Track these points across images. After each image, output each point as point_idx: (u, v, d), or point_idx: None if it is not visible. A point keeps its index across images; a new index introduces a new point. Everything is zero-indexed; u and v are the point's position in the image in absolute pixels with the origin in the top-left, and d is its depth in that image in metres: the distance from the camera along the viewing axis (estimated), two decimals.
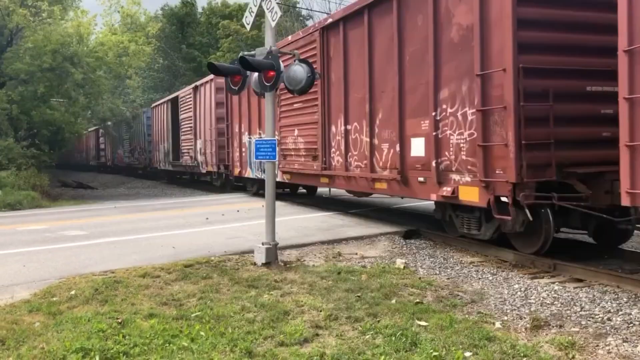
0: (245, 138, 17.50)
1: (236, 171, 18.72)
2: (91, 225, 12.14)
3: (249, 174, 17.60)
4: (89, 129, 41.84)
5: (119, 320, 5.43)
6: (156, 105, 30.62)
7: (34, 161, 22.58)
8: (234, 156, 18.83)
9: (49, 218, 13.89)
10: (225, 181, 21.50)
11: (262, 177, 19.03)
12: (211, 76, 19.88)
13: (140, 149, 34.51)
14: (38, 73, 22.59)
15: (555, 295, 6.48)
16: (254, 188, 18.29)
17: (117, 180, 35.23)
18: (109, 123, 36.65)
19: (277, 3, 7.92)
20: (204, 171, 23.04)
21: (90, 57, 25.00)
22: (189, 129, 24.26)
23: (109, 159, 43.66)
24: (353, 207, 14.09)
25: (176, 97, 26.10)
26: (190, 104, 23.62)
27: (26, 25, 23.63)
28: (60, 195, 23.84)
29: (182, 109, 25.44)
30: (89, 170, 48.07)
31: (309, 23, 35.89)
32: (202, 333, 5.08)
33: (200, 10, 46.78)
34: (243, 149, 17.84)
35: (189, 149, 24.46)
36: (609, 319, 5.60)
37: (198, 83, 23.03)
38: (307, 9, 36.15)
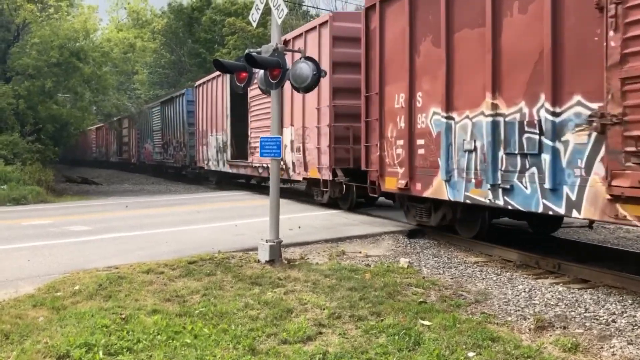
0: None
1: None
2: (95, 220, 12.16)
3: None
4: (110, 120, 38.16)
5: (123, 316, 5.43)
6: (204, 83, 23.16)
7: (39, 156, 22.64)
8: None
9: (53, 213, 13.92)
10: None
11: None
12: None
13: (178, 144, 27.52)
14: (45, 68, 22.65)
15: (559, 296, 6.46)
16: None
17: (142, 180, 31.76)
18: (134, 112, 33.77)
19: (284, 1, 7.90)
20: (299, 178, 15.23)
21: (96, 52, 25.06)
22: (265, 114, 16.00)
23: (133, 155, 37.54)
24: (358, 206, 14.07)
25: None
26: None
27: (33, 21, 23.70)
28: (65, 190, 23.89)
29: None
30: (107, 168, 44.16)
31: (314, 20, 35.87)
32: (205, 330, 5.08)
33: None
34: None
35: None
36: (613, 321, 5.58)
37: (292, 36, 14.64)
38: (313, 7, 36.13)
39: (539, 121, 7.00)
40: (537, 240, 9.61)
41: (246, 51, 7.98)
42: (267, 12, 8.38)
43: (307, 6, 36.71)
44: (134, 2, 32.68)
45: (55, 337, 4.89)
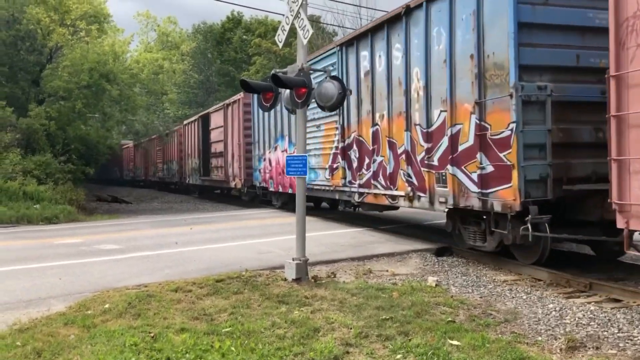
0: None
1: None
2: (125, 239, 12.33)
3: None
4: (151, 137, 37.00)
5: (152, 335, 5.49)
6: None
7: (70, 176, 23.10)
8: None
9: (84, 232, 14.16)
10: None
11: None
12: None
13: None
14: (75, 90, 23.20)
15: (591, 315, 6.32)
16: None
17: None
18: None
19: (309, 21, 8.00)
20: None
21: (125, 74, 25.61)
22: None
23: (177, 175, 34.32)
24: (383, 223, 14.03)
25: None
26: None
27: (65, 44, 24.35)
28: (96, 209, 24.29)
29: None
30: (147, 187, 42.53)
31: (336, 38, 36.17)
32: (232, 348, 5.10)
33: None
34: None
35: None
36: None
37: None
38: (338, 25, 36.35)
39: None
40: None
41: (272, 71, 8.08)
42: (292, 33, 8.48)
43: (332, 25, 37.02)
44: (164, 24, 33.31)
45: (85, 355, 4.97)
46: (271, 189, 18.65)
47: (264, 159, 19.26)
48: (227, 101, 23.94)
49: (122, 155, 47.99)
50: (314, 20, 33.51)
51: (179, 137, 33.69)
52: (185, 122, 32.35)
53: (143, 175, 44.86)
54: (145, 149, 41.73)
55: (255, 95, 17.03)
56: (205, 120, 27.28)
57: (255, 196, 21.55)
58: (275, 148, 18.03)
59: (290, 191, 16.14)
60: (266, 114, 18.18)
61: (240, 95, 21.78)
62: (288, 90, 8.20)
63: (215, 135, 25.69)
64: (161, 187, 39.85)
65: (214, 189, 30.37)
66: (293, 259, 7.89)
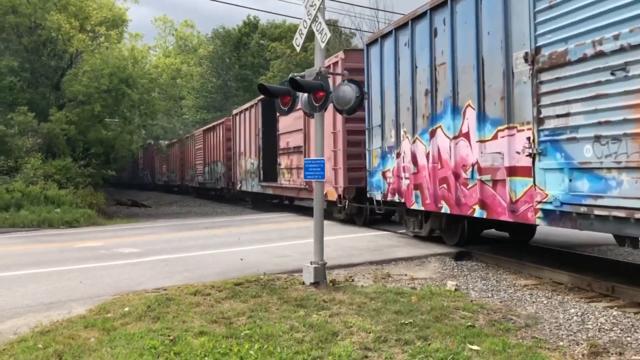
0: None
1: None
2: (144, 242, 12.42)
3: None
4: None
5: (171, 338, 5.51)
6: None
7: (90, 180, 23.37)
8: None
9: (104, 235, 14.30)
10: None
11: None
12: None
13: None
14: (95, 94, 23.48)
15: (614, 320, 6.22)
16: None
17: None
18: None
19: (327, 25, 8.00)
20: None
21: (144, 78, 25.87)
22: None
23: (222, 179, 28.50)
24: (402, 227, 13.95)
25: None
26: None
27: (85, 49, 24.68)
28: (115, 213, 24.52)
29: None
30: (182, 193, 38.30)
31: (354, 42, 36.23)
32: (251, 352, 5.10)
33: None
34: None
35: None
36: None
37: None
38: (356, 29, 36.38)
39: None
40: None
41: (290, 75, 8.09)
42: (309, 38, 8.49)
43: (350, 29, 37.04)
44: (181, 29, 33.56)
45: (105, 358, 5.00)
46: (415, 207, 11.05)
47: (397, 155, 11.69)
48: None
49: (153, 157, 43.95)
50: (332, 24, 33.56)
51: (225, 131, 27.38)
52: (235, 111, 26.14)
53: (179, 179, 38.96)
54: (181, 149, 37.00)
55: (372, 53, 12.54)
56: (269, 105, 18.52)
57: (365, 215, 14.53)
58: (432, 134, 10.32)
59: (480, 213, 8.95)
60: (405, 72, 11.25)
61: (339, 55, 14.84)
62: (306, 94, 8.21)
63: (287, 123, 18.70)
64: (201, 193, 34.40)
65: (280, 198, 23.23)
66: (311, 263, 7.87)
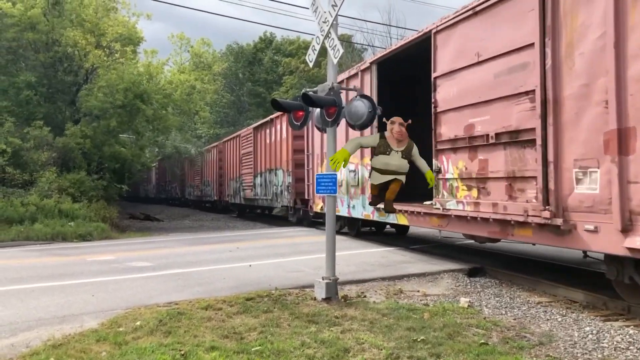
0: None
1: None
2: (157, 256, 12.45)
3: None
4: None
5: (182, 352, 5.50)
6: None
7: (103, 193, 23.52)
8: None
9: (117, 249, 14.35)
10: None
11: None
12: None
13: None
14: (110, 110, 23.72)
15: (630, 339, 6.13)
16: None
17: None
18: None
19: (340, 41, 8.04)
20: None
21: (159, 94, 26.10)
22: None
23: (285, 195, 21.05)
24: (414, 242, 13.90)
25: None
26: None
27: (100, 65, 25.00)
28: (128, 227, 24.63)
29: None
30: (223, 212, 32.81)
31: (365, 56, 36.37)
32: None
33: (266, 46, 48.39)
34: None
35: None
36: None
37: None
38: (368, 44, 36.58)
39: None
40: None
41: (303, 90, 8.14)
42: (321, 53, 8.54)
43: (362, 44, 37.22)
44: (197, 46, 33.85)
45: None
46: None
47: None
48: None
49: (182, 168, 38.93)
50: (344, 40, 33.74)
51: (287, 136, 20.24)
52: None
53: (216, 194, 31.99)
54: (219, 155, 31.04)
55: None
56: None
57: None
58: None
59: None
60: None
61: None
62: (318, 109, 8.24)
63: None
64: (246, 213, 28.66)
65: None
66: (323, 278, 7.85)
